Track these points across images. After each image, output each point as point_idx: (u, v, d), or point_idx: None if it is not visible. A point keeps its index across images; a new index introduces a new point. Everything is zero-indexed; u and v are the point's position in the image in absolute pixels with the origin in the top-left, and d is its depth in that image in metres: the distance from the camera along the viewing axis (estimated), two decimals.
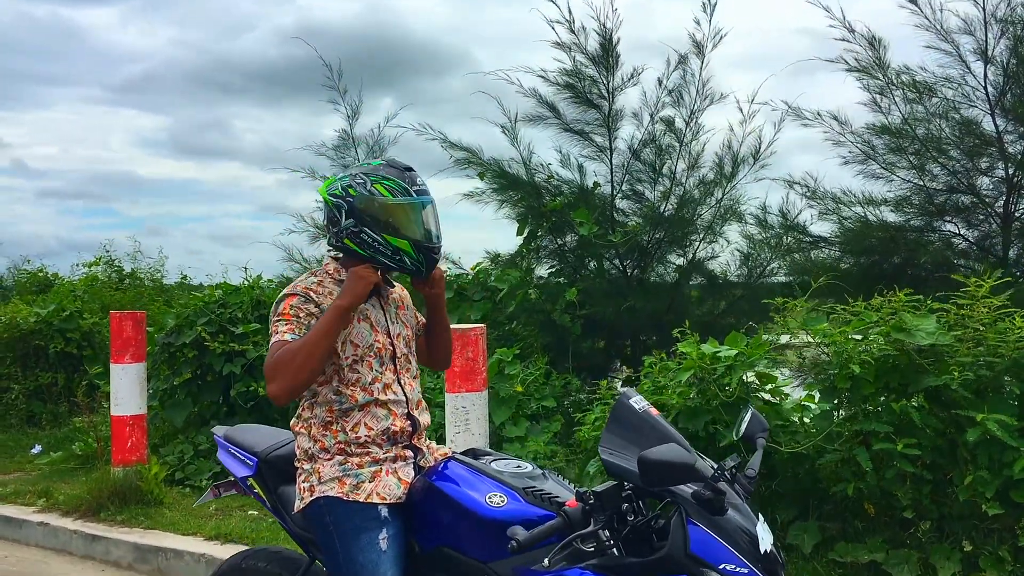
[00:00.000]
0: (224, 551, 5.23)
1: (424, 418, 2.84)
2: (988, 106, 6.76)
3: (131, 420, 6.21)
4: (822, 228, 7.47)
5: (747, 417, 2.62)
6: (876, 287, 5.84)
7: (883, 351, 4.29)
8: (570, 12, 7.54)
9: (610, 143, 7.94)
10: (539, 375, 6.78)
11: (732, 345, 4.83)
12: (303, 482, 2.72)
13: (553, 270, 8.25)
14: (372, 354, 2.72)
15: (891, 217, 7.11)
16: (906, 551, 4.22)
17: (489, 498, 2.52)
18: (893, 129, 6.92)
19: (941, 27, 6.72)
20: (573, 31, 7.63)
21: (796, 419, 4.76)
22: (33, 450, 8.32)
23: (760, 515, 2.32)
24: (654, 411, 2.45)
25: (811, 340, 4.68)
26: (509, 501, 2.51)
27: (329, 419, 2.69)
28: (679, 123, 7.88)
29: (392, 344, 2.78)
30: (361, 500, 2.63)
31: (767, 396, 4.87)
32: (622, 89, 7.78)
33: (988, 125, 6.83)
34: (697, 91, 7.72)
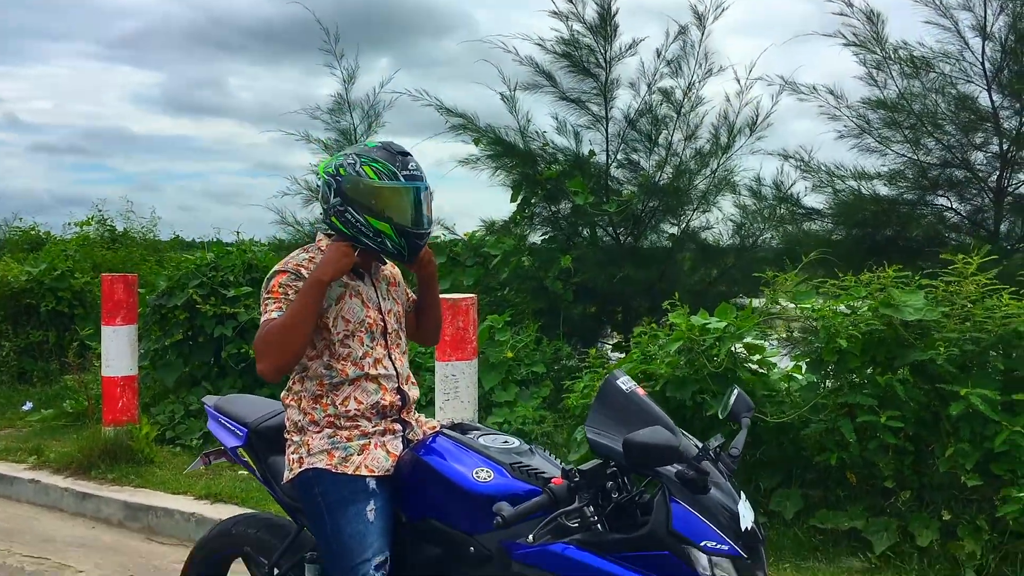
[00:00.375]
0: (214, 511, 5.29)
1: (413, 392, 2.86)
2: (985, 82, 6.76)
3: (122, 381, 6.24)
4: (815, 200, 7.50)
5: (733, 396, 2.65)
6: (867, 260, 5.89)
7: (871, 326, 4.33)
8: None
9: (606, 112, 7.92)
10: (529, 341, 6.82)
11: (721, 317, 4.87)
12: (292, 453, 2.75)
13: (546, 237, 8.26)
14: (363, 329, 2.74)
15: (884, 191, 7.14)
16: (886, 519, 4.30)
17: (476, 473, 2.55)
18: (889, 103, 6.92)
19: (940, 2, 6.70)
20: (571, 0, 7.57)
21: (783, 388, 4.81)
22: (24, 407, 8.35)
23: (742, 493, 2.36)
24: (641, 391, 2.47)
25: (800, 313, 4.71)
26: (496, 476, 2.54)
27: (319, 392, 2.72)
28: (677, 94, 7.86)
29: (383, 320, 2.80)
30: (349, 472, 2.65)
31: (755, 366, 4.92)
32: (620, 59, 7.77)
33: (984, 100, 6.85)
34: (697, 62, 7.69)
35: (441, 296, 4.53)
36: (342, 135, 9.36)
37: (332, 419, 2.71)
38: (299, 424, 2.75)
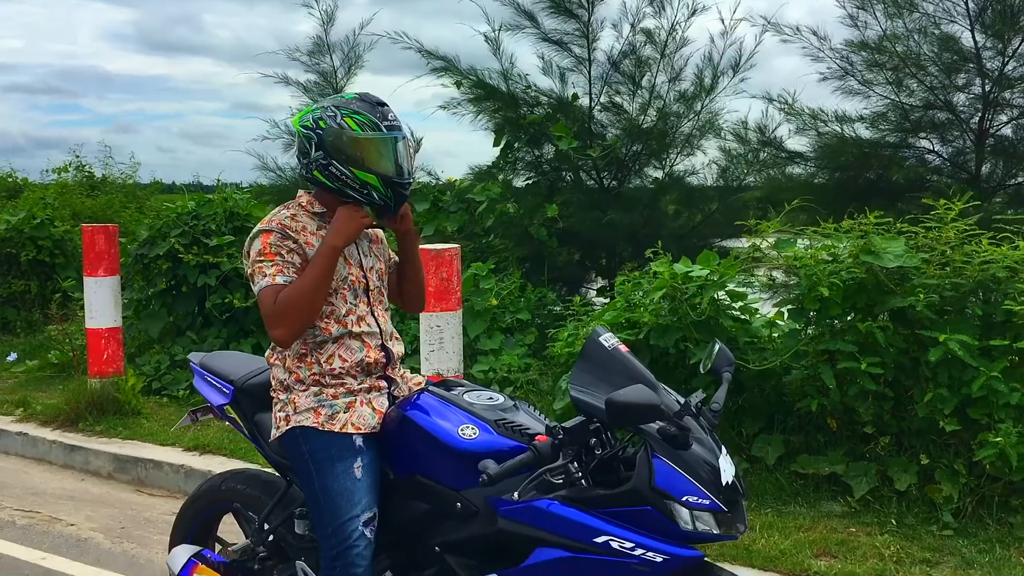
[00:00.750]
0: (203, 462, 5.34)
1: (398, 349, 2.88)
2: (968, 21, 6.72)
3: (106, 333, 6.22)
4: (798, 143, 7.49)
5: (715, 351, 2.68)
6: (849, 204, 5.90)
7: (851, 273, 4.36)
8: None
9: (589, 54, 7.84)
10: (514, 288, 6.84)
11: (704, 265, 4.88)
12: (279, 411, 2.77)
13: (530, 182, 8.23)
14: (346, 287, 2.74)
15: (867, 133, 7.13)
16: (865, 464, 4.37)
17: (461, 430, 2.58)
18: (871, 44, 6.88)
19: None
20: None
21: (766, 334, 4.86)
22: (9, 358, 8.34)
23: (723, 448, 2.40)
24: (623, 348, 2.50)
25: (782, 261, 4.74)
26: (481, 433, 2.57)
27: (303, 351, 2.72)
28: (661, 34, 7.78)
29: (365, 277, 2.80)
30: (336, 430, 2.68)
31: (737, 313, 4.96)
32: None
33: (967, 41, 6.81)
34: (681, 1, 7.61)
35: (425, 247, 4.57)
36: (322, 77, 9.25)
37: (317, 377, 2.72)
38: (285, 383, 2.77)
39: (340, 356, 2.72)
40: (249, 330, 7.11)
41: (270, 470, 3.16)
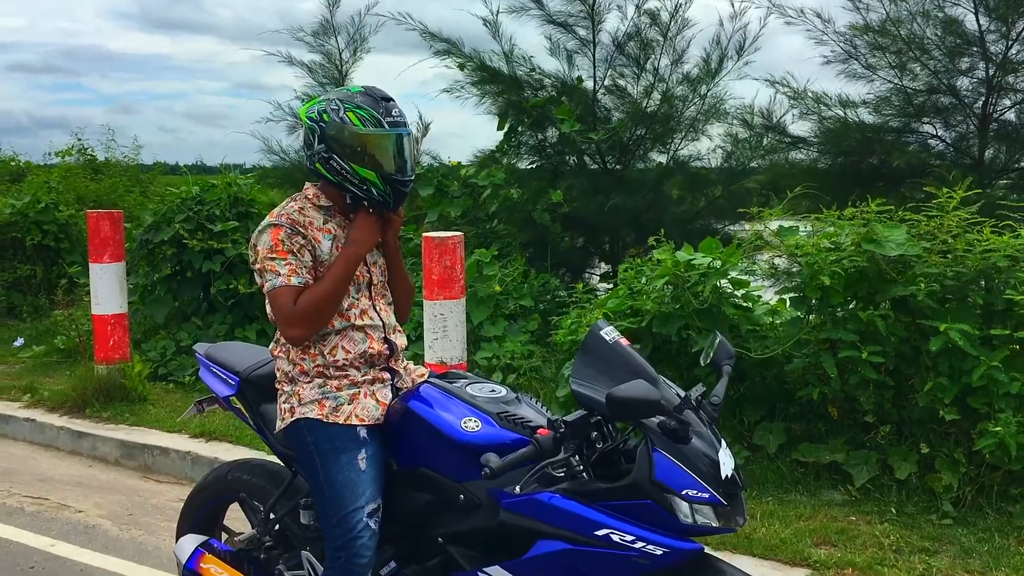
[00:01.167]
0: (209, 449, 5.38)
1: (401, 341, 2.90)
2: (972, 5, 6.68)
3: (112, 319, 6.26)
4: (802, 128, 7.47)
5: (715, 344, 2.69)
6: (852, 189, 5.90)
7: (853, 262, 4.37)
8: None
9: (594, 36, 7.81)
10: (517, 274, 6.85)
11: (707, 252, 4.90)
12: (284, 403, 2.80)
13: (534, 166, 8.22)
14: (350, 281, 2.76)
15: (870, 118, 7.11)
16: (866, 452, 4.40)
17: (464, 423, 2.61)
18: (875, 27, 6.85)
19: None
20: None
21: (768, 322, 4.88)
22: (15, 343, 8.39)
23: (723, 441, 2.42)
24: (624, 341, 2.52)
25: (784, 249, 4.75)
26: (483, 425, 2.59)
27: (307, 343, 2.75)
28: (664, 16, 7.75)
29: (368, 272, 2.82)
30: (340, 422, 2.71)
31: (740, 301, 4.97)
32: None
33: (971, 24, 6.77)
34: None
35: (428, 235, 4.59)
36: (327, 58, 9.25)
37: (321, 369, 2.75)
38: (289, 374, 2.79)
39: (343, 348, 2.75)
40: (254, 316, 7.15)
41: (275, 460, 3.19)
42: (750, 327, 4.83)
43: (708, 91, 7.85)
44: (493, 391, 2.77)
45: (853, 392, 4.40)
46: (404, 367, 2.92)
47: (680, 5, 7.70)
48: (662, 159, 8.13)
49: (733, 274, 4.91)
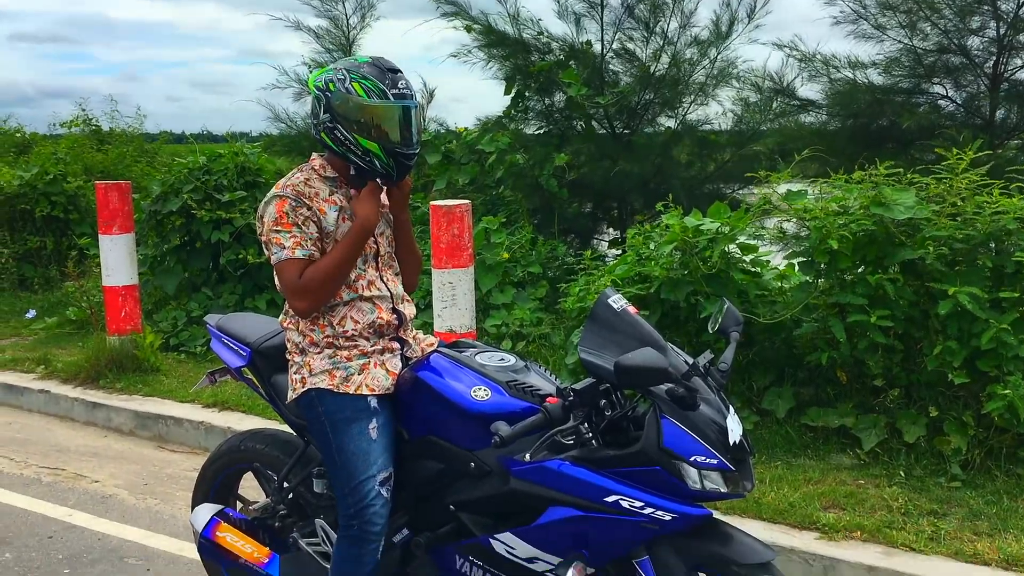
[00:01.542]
0: (222, 418, 5.43)
1: (409, 310, 2.91)
2: None
3: (123, 291, 6.29)
4: (811, 90, 7.42)
5: (723, 311, 2.70)
6: (862, 152, 5.85)
7: (862, 226, 4.35)
8: None
9: None
10: (525, 242, 6.86)
11: (715, 217, 4.88)
12: (295, 374, 2.83)
13: (541, 131, 8.18)
14: None
15: (879, 80, 7.05)
16: (874, 416, 4.41)
17: (474, 392, 2.63)
18: None
19: None
20: None
21: (776, 287, 4.88)
22: (28, 315, 8.45)
23: (731, 407, 2.44)
24: (632, 310, 2.53)
25: (792, 214, 4.73)
26: (493, 394, 2.62)
27: (315, 314, 2.77)
28: None
29: (376, 243, 2.83)
30: (351, 392, 2.73)
31: (748, 266, 4.97)
32: None
33: None
34: None
35: (436, 203, 4.59)
36: (333, 23, 9.20)
37: (331, 339, 2.77)
38: (300, 345, 2.82)
39: (352, 318, 2.77)
40: (264, 286, 7.18)
41: (288, 429, 3.22)
42: (759, 292, 4.83)
43: (718, 54, 7.79)
44: (502, 360, 2.78)
45: (862, 356, 4.41)
46: (413, 336, 2.94)
47: None
48: (671, 123, 8.08)
49: (741, 239, 4.90)
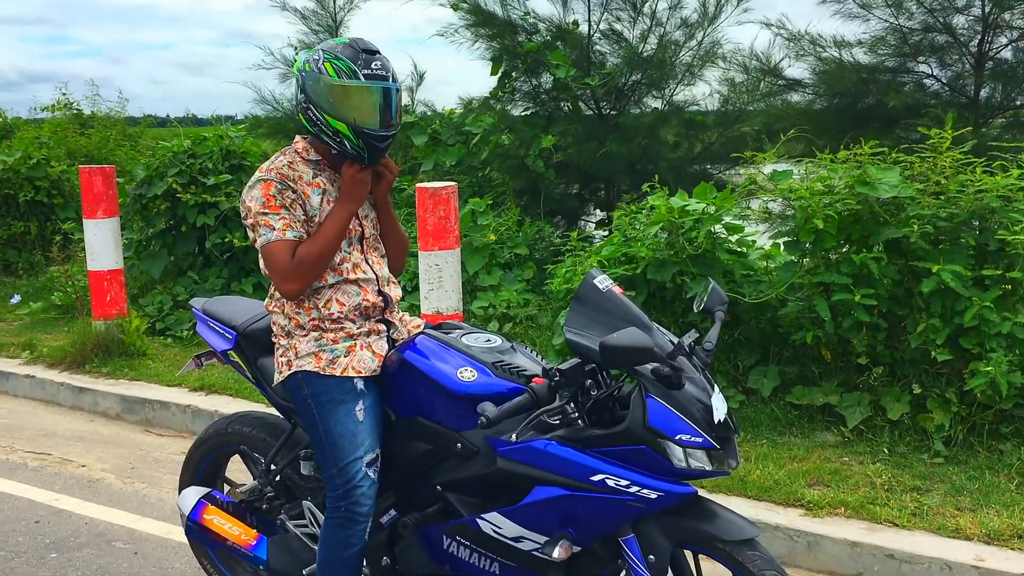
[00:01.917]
0: (208, 402, 5.43)
1: (395, 292, 2.91)
2: None
3: (108, 275, 6.26)
4: (797, 70, 7.42)
5: (708, 291, 2.71)
6: (848, 131, 5.86)
7: (847, 205, 4.37)
8: None
9: None
10: (512, 223, 6.85)
11: (701, 198, 4.89)
12: (281, 356, 2.82)
13: (528, 112, 8.17)
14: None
15: (865, 59, 7.05)
16: (858, 394, 4.45)
17: (460, 373, 2.64)
18: None
19: None
20: None
21: (762, 267, 4.90)
22: (12, 300, 8.41)
23: (716, 387, 2.45)
24: (617, 290, 2.53)
25: (777, 194, 4.75)
26: (479, 375, 2.62)
27: (301, 297, 2.77)
28: None
29: (360, 225, 2.82)
30: (337, 374, 2.73)
31: (734, 246, 4.98)
32: None
33: None
34: None
35: (422, 185, 4.59)
36: (320, 5, 9.14)
37: (317, 322, 2.77)
38: (285, 328, 2.81)
39: (338, 300, 2.77)
40: (249, 269, 7.16)
41: (275, 412, 3.22)
42: (744, 272, 4.85)
43: (704, 36, 7.78)
44: (488, 341, 2.79)
45: (846, 335, 4.44)
46: (399, 318, 2.94)
47: None
48: (657, 104, 8.08)
49: (727, 219, 4.92)
